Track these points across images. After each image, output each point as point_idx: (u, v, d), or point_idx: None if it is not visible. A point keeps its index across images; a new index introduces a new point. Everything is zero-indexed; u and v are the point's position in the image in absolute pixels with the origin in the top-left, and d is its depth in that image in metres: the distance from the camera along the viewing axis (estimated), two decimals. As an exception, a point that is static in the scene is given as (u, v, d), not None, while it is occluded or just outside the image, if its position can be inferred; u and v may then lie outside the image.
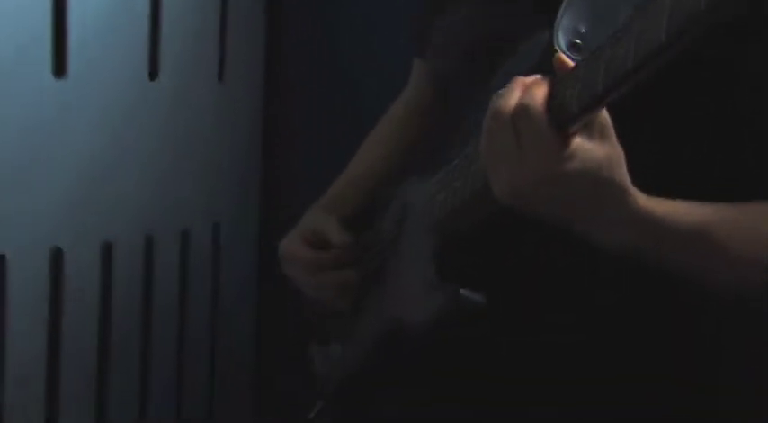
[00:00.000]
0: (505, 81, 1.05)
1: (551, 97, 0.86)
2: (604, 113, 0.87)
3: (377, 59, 1.98)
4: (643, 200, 0.92)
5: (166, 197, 2.00)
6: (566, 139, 0.86)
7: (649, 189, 1.01)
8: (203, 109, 2.04)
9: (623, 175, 0.90)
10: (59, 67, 1.80)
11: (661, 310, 1.10)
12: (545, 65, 0.98)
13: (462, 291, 1.11)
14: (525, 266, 1.15)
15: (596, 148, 0.87)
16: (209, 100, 2.05)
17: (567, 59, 0.87)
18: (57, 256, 1.83)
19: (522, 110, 0.86)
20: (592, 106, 0.84)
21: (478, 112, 1.10)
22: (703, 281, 1.01)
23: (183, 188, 2.03)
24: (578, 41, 1.00)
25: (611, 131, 0.88)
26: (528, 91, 0.87)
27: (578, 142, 0.86)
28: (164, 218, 2.00)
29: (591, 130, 0.87)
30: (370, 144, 1.56)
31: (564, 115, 0.85)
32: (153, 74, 1.94)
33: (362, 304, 1.35)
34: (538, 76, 0.88)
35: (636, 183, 0.99)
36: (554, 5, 1.04)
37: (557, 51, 0.99)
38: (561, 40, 1.01)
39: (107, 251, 1.91)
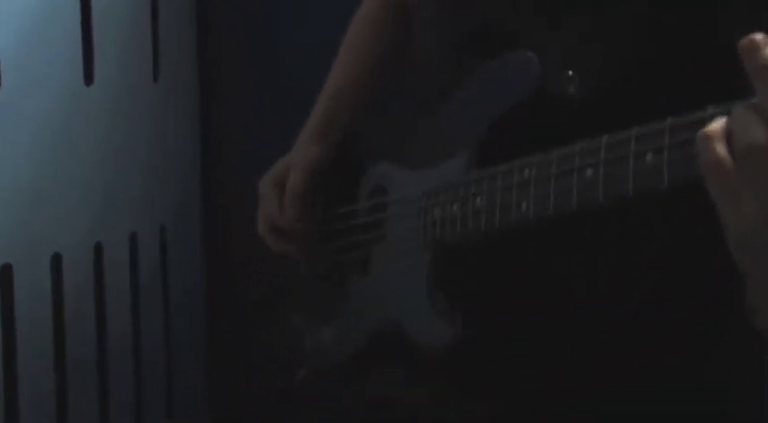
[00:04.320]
0: (479, 89, 1.12)
1: None
2: None
3: (310, 55, 1.96)
4: None
5: (112, 201, 2.01)
6: None
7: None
8: (140, 110, 2.06)
9: None
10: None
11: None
12: (533, 108, 1.03)
13: (472, 318, 1.11)
14: (527, 277, 1.13)
15: None
16: (145, 101, 2.06)
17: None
18: (5, 272, 1.81)
19: None
20: None
21: (450, 105, 1.17)
22: None
23: (127, 191, 2.03)
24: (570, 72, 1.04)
25: None
26: None
27: None
28: (111, 223, 1.99)
29: None
30: (350, 50, 1.50)
31: None
32: (88, 79, 1.94)
33: (347, 289, 1.34)
34: None
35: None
36: (557, 9, 1.06)
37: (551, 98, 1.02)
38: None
39: (57, 262, 1.90)
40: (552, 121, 1.04)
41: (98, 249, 1.98)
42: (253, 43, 2.08)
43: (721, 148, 0.73)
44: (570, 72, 1.06)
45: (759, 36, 0.71)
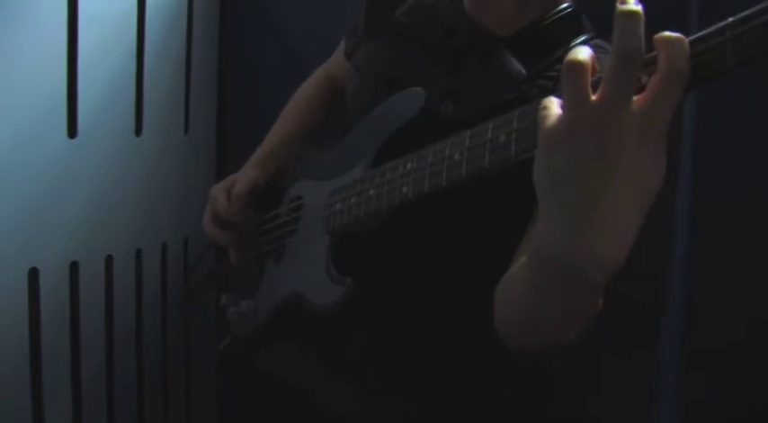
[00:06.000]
0: (380, 114, 1.19)
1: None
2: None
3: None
4: None
5: (151, 220, 2.21)
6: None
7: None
8: (174, 154, 2.25)
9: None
10: (72, 130, 1.98)
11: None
12: (419, 126, 1.13)
13: (356, 284, 1.18)
14: (399, 254, 1.24)
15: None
16: (178, 148, 2.25)
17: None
18: (74, 268, 2.02)
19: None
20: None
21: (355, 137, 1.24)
22: None
23: (162, 213, 2.23)
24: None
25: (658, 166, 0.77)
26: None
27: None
28: (150, 235, 2.22)
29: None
30: (292, 111, 1.57)
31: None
32: (138, 131, 2.13)
33: (264, 272, 1.41)
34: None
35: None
36: (443, 66, 1.17)
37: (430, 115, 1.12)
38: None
39: (110, 261, 2.12)
40: (433, 134, 1.07)
41: (138, 254, 2.19)
42: (262, 102, 2.13)
43: (557, 109, 0.80)
44: (449, 104, 1.16)
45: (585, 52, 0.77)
